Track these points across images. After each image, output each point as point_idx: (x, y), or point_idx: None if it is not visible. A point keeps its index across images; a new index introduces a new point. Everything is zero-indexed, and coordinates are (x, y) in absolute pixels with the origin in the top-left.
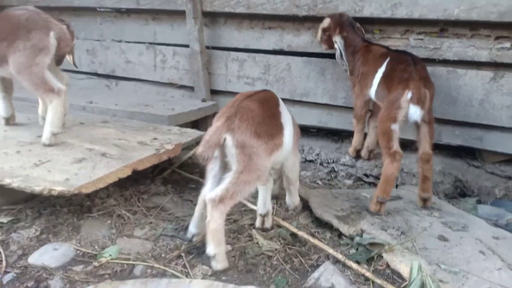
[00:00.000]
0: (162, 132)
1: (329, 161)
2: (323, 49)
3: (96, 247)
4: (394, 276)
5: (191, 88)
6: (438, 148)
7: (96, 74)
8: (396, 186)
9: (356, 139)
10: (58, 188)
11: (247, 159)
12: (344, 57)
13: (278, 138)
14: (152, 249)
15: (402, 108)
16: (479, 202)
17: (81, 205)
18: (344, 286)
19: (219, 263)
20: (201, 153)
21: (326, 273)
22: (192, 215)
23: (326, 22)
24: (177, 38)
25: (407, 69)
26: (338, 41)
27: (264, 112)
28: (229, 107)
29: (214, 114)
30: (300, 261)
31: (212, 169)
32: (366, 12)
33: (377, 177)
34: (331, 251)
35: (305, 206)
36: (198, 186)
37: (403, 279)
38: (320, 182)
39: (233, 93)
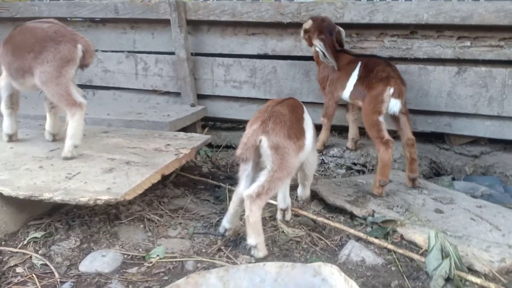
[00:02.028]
0: (169, 138)
1: (318, 154)
2: (305, 45)
3: (140, 249)
4: (411, 245)
5: (176, 94)
6: (413, 135)
7: None
8: None
9: (324, 135)
10: (104, 197)
11: (280, 158)
12: (327, 56)
13: (302, 140)
14: (192, 246)
15: (385, 102)
16: (453, 179)
17: (108, 214)
18: (372, 259)
19: (261, 251)
20: (240, 155)
21: (355, 249)
22: (214, 213)
23: (308, 24)
24: (159, 46)
25: (385, 69)
26: (317, 44)
27: (292, 116)
28: (263, 111)
29: (202, 119)
30: (326, 243)
31: (245, 170)
32: (346, 18)
33: (364, 165)
34: (352, 230)
35: (313, 195)
36: (206, 186)
37: (419, 247)
38: (316, 174)
39: (220, 97)
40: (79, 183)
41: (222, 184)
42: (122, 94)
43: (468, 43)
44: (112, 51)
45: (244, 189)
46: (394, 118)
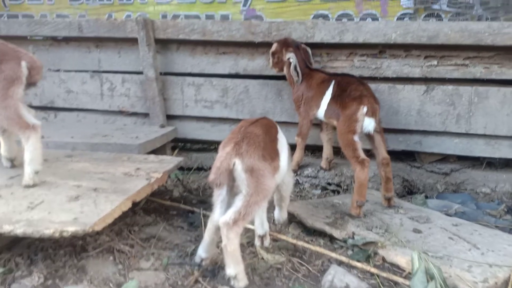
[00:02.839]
0: (139, 161)
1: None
2: (275, 72)
3: (111, 284)
4: (393, 268)
5: (144, 115)
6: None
7: (30, 107)
8: None
9: (298, 155)
10: (70, 229)
11: (256, 181)
12: (297, 69)
13: (277, 160)
14: (167, 278)
15: (359, 121)
16: (426, 197)
17: (74, 245)
18: (356, 284)
19: (241, 281)
20: (213, 180)
21: (338, 274)
22: (189, 241)
23: (274, 46)
24: (126, 66)
25: (358, 88)
26: (291, 56)
27: (266, 137)
28: (236, 133)
29: (172, 140)
30: (307, 268)
31: (219, 195)
32: (317, 38)
33: (339, 185)
34: (333, 254)
35: (290, 218)
36: (179, 212)
37: (402, 269)
38: (292, 195)
39: (191, 117)
40: (43, 213)
41: (195, 209)
42: (86, 116)
43: (435, 62)
44: (76, 71)
45: (219, 216)
46: (369, 137)
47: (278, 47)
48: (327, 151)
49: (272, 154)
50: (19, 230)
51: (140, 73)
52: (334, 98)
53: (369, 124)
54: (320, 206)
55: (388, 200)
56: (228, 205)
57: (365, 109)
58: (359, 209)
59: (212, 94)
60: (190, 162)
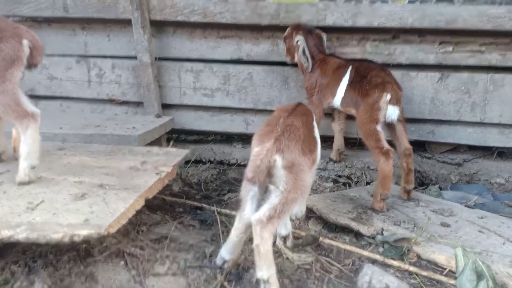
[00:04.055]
0: (142, 154)
1: None
2: (289, 61)
3: None
4: (431, 265)
5: (136, 104)
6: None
7: None
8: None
9: None
10: (82, 232)
11: (294, 177)
12: (306, 53)
13: (315, 152)
14: (188, 284)
15: (382, 109)
16: (440, 188)
17: (77, 249)
18: (397, 284)
19: (273, 286)
20: (252, 178)
21: (376, 275)
22: (204, 241)
23: (287, 31)
24: (116, 50)
25: (379, 74)
26: (299, 39)
27: (305, 128)
28: (273, 125)
29: (170, 131)
30: (339, 268)
31: (250, 190)
32: (329, 21)
33: (349, 177)
34: (365, 253)
35: (308, 213)
36: (185, 208)
37: (441, 267)
38: None
39: (189, 106)
40: (47, 215)
41: (204, 205)
42: (71, 105)
43: (450, 48)
44: (60, 55)
45: (251, 213)
46: (389, 126)
47: (289, 31)
48: (338, 142)
49: (310, 146)
50: (21, 235)
51: (132, 58)
52: (352, 85)
53: (393, 112)
54: (338, 200)
55: (408, 192)
56: (259, 202)
57: (388, 96)
58: (383, 202)
59: (213, 81)
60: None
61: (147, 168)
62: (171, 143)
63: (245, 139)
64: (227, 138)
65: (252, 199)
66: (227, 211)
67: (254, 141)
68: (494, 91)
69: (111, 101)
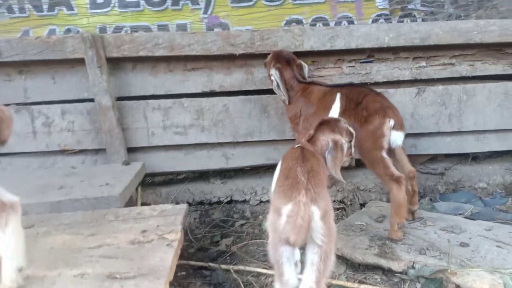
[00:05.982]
0: (133, 219)
1: None
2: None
3: None
4: None
5: (95, 151)
6: None
7: None
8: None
9: None
10: None
11: (328, 226)
12: (280, 87)
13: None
14: None
15: (385, 136)
16: (430, 200)
17: None
18: None
19: None
20: (295, 241)
21: None
22: None
23: (268, 57)
24: (65, 93)
25: (376, 99)
26: (273, 73)
27: (321, 169)
28: (292, 177)
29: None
30: None
31: (283, 252)
32: (306, 46)
33: (342, 202)
34: None
35: None
36: (188, 271)
37: None
38: None
39: (159, 147)
40: None
41: (211, 264)
42: (12, 161)
43: (424, 63)
44: None
45: (293, 276)
46: (389, 150)
47: (269, 60)
48: None
49: (325, 184)
50: None
51: (86, 100)
52: (346, 112)
53: (397, 137)
54: (349, 232)
55: (413, 213)
56: (298, 263)
57: (392, 122)
58: (400, 231)
59: (185, 118)
60: (161, 200)
61: (152, 239)
62: (139, 189)
63: (223, 172)
64: (201, 174)
65: (289, 261)
66: (241, 267)
67: (277, 200)
68: (467, 101)
69: (63, 152)
